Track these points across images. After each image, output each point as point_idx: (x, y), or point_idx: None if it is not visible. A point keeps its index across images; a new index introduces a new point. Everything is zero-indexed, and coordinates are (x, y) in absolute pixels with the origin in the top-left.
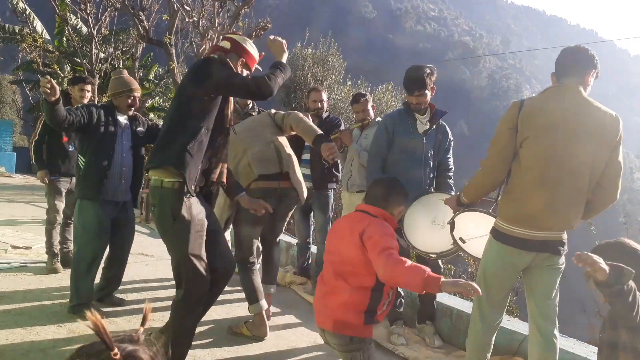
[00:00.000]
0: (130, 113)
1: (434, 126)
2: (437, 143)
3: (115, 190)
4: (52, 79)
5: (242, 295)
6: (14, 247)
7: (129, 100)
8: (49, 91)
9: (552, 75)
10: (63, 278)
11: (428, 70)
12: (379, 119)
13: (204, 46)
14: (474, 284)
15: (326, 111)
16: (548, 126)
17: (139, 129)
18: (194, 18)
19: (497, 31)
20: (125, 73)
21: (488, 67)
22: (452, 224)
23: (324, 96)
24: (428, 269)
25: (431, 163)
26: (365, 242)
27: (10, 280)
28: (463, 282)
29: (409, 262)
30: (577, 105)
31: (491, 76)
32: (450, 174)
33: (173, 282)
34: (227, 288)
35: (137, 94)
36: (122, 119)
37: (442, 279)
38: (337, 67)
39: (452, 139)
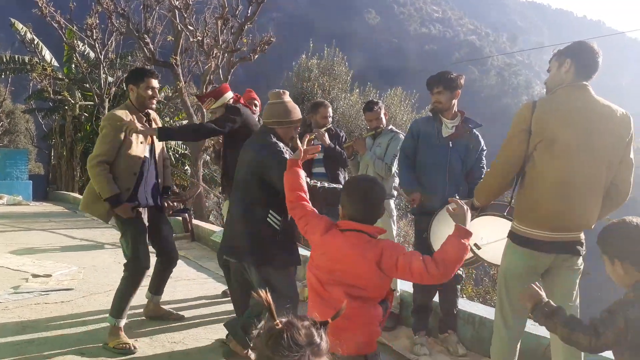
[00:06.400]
0: None
1: (465, 133)
2: (466, 151)
3: None
4: None
5: None
6: (35, 276)
7: (294, 133)
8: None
9: (555, 62)
10: (84, 305)
11: (451, 74)
12: (391, 127)
13: (209, 64)
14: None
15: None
16: (562, 127)
17: None
18: (198, 37)
19: (503, 28)
20: (288, 96)
21: (496, 65)
22: None
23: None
24: (454, 237)
25: (457, 169)
26: (390, 268)
27: (31, 310)
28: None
29: (441, 248)
30: (589, 105)
31: (500, 74)
32: None
33: (191, 303)
34: None
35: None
36: None
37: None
38: (344, 76)
39: (484, 148)
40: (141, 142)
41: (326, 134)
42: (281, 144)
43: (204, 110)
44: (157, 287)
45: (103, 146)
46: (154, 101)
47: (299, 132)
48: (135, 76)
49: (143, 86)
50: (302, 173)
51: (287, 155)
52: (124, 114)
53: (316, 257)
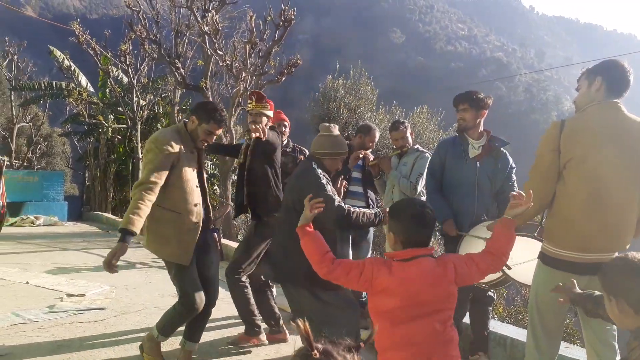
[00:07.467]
0: None
1: (493, 152)
2: (494, 170)
3: None
4: None
5: None
6: (69, 295)
7: (339, 165)
8: None
9: (585, 81)
10: (115, 324)
11: (479, 93)
12: (417, 146)
13: (238, 87)
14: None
15: None
16: (593, 146)
17: None
18: (227, 61)
19: (531, 44)
20: (337, 130)
21: (524, 81)
22: None
23: None
24: (501, 226)
25: (486, 189)
26: (463, 277)
27: (66, 329)
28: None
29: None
30: (621, 122)
31: (528, 90)
32: None
33: (219, 323)
34: None
35: None
36: None
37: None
38: (370, 95)
39: (513, 165)
40: (193, 170)
41: (372, 156)
42: (319, 170)
43: (249, 110)
44: (189, 331)
45: (151, 172)
46: (204, 145)
47: None
48: (204, 112)
49: (205, 127)
50: (318, 234)
51: (324, 181)
52: (172, 139)
53: (385, 303)
